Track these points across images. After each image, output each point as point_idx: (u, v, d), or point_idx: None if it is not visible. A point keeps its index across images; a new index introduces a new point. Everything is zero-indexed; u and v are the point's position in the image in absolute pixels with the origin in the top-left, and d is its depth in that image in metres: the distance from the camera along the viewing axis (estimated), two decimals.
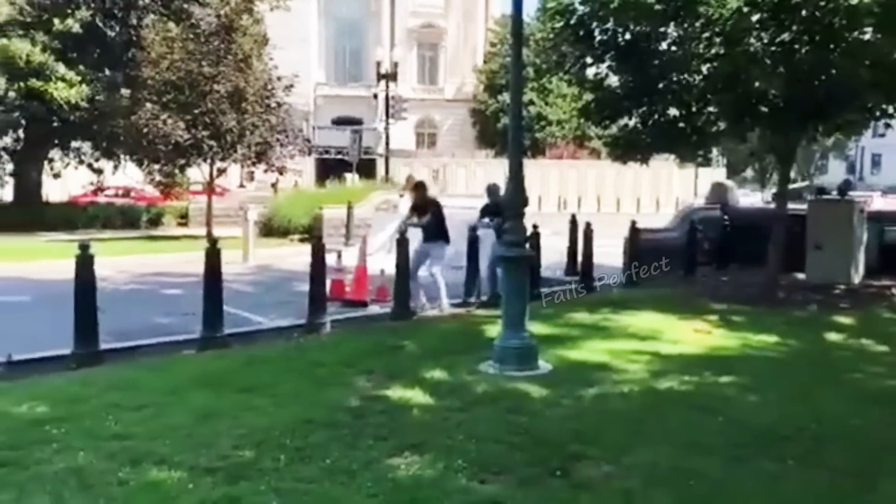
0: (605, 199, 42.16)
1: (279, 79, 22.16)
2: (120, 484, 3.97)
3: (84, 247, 7.50)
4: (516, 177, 6.69)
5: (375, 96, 40.76)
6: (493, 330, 7.72)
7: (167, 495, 3.83)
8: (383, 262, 11.72)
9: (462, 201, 18.70)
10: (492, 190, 11.60)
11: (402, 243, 10.00)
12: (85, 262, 7.42)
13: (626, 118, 12.11)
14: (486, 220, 11.25)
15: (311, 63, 50.51)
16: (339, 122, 50.09)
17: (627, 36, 11.29)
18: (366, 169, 36.86)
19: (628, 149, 12.51)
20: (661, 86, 11.34)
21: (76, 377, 6.41)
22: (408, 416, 5.27)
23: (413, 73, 54.93)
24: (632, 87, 11.59)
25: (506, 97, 46.30)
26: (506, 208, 10.70)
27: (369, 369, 6.62)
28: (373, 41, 51.35)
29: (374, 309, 10.78)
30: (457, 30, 56.50)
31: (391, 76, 37.08)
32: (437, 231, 10.59)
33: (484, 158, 47.11)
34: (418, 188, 11.52)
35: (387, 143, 38.10)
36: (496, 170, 43.26)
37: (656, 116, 11.74)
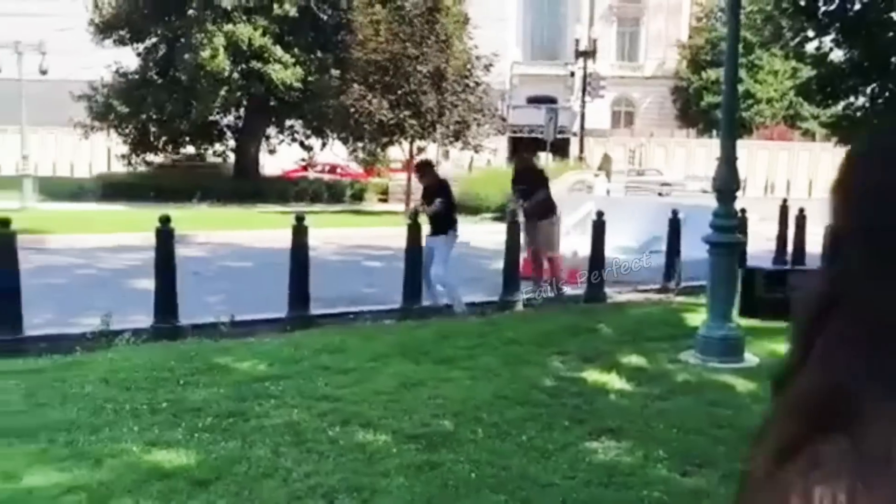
0: (818, 184, 39.09)
1: (478, 58, 22.44)
2: (330, 442, 4.22)
3: (300, 218, 8.03)
4: (729, 158, 6.33)
5: (572, 74, 40.27)
6: (695, 318, 7.41)
7: (374, 457, 4.02)
8: (576, 243, 11.57)
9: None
10: (520, 166, 10.11)
11: (599, 225, 9.81)
12: (300, 233, 7.94)
13: (852, 97, 11.10)
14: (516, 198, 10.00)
15: (509, 42, 50.65)
16: (534, 100, 49.92)
17: (857, 5, 10.32)
18: (559, 148, 36.54)
19: (853, 131, 11.48)
20: (894, 60, 10.29)
21: (290, 339, 6.87)
22: (604, 401, 5.18)
23: (611, 50, 53.55)
24: (860, 63, 10.60)
25: (711, 74, 44.13)
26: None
27: (563, 350, 6.57)
28: (571, 18, 50.59)
29: (566, 290, 10.69)
30: (659, 5, 54.35)
31: (589, 53, 36.44)
32: (444, 220, 8.84)
33: (684, 138, 45.18)
34: (424, 168, 9.78)
35: (582, 123, 37.54)
36: (697, 150, 41.51)
37: (887, 95, 10.67)
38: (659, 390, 5.43)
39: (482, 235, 17.21)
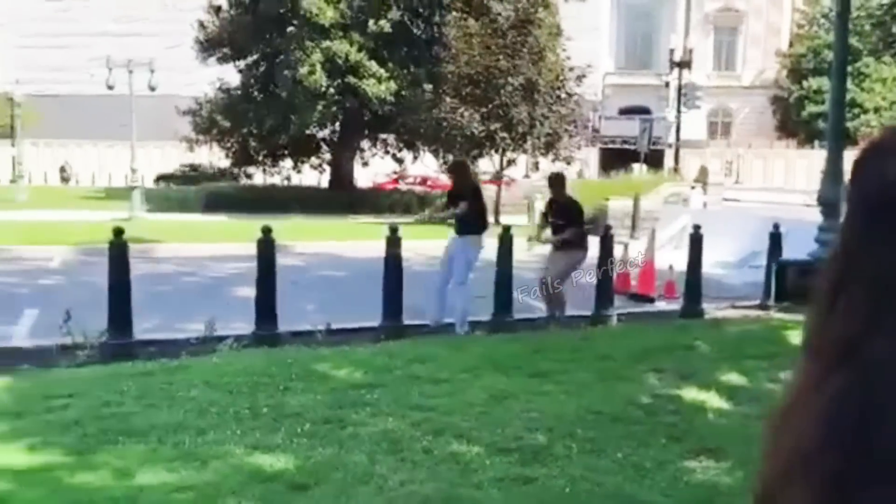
0: None
1: (571, 69, 22.32)
2: (424, 452, 4.26)
3: (394, 229, 8.16)
4: (835, 170, 6.11)
5: (667, 84, 39.50)
6: (796, 336, 7.13)
7: (468, 468, 4.04)
8: (672, 257, 11.35)
9: (759, 195, 17.50)
10: (553, 182, 9.38)
11: (696, 239, 9.59)
12: (393, 244, 8.08)
13: None
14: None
15: (601, 52, 50.17)
16: (626, 111, 49.29)
17: None
18: (653, 160, 35.88)
19: None
20: None
21: (383, 348, 6.98)
22: (702, 419, 5.06)
23: (708, 60, 52.32)
24: None
25: (812, 83, 42.56)
26: (572, 210, 9.11)
27: (659, 367, 6.44)
28: (666, 28, 49.74)
29: (661, 305, 10.49)
30: (758, 12, 52.81)
31: (685, 63, 35.68)
32: (475, 221, 8.55)
33: (784, 149, 43.66)
34: (457, 170, 9.48)
35: (677, 133, 36.75)
36: (797, 161, 40.03)
37: None
38: (759, 410, 5.25)
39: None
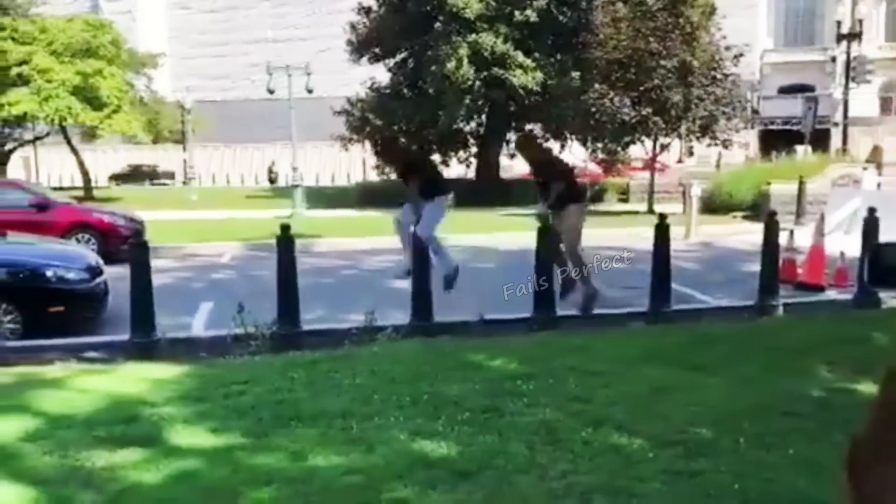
0: None
1: (727, 48, 21.35)
2: (584, 443, 4.23)
3: (543, 219, 8.13)
4: None
5: (833, 59, 36.94)
6: None
7: (629, 460, 3.98)
8: (842, 243, 10.63)
9: None
10: (521, 146, 9.16)
11: (871, 222, 8.94)
12: (544, 234, 8.05)
13: None
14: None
15: (759, 29, 47.61)
16: (787, 90, 46.51)
17: None
18: (818, 140, 33.69)
19: None
20: None
21: (537, 339, 6.99)
22: None
23: (879, 30, 48.38)
24: None
25: None
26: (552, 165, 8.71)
27: (830, 359, 6.06)
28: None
29: (831, 294, 9.86)
30: None
31: (854, 35, 33.18)
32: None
33: None
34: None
35: (845, 111, 34.28)
36: None
37: None
38: None
39: (734, 236, 16.39)
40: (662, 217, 8.54)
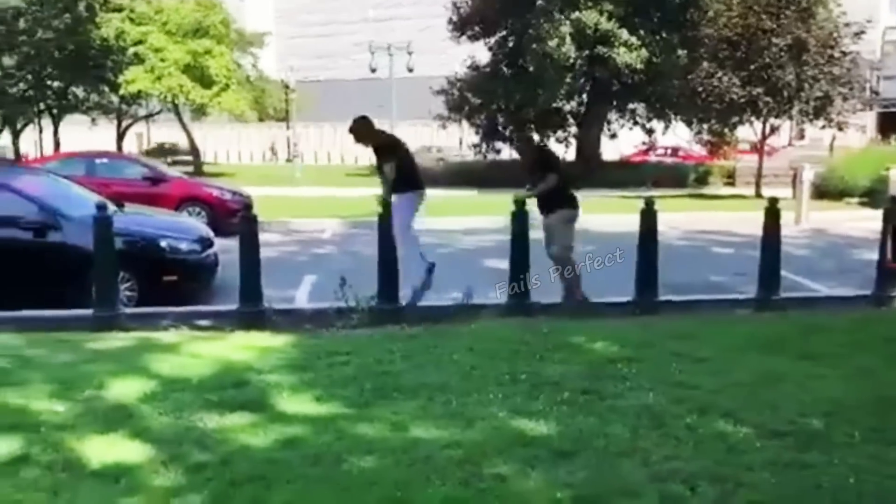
0: None
1: (846, 25, 20.24)
2: (688, 428, 4.13)
3: (649, 202, 7.95)
4: None
5: None
6: None
7: (736, 449, 3.86)
8: None
9: None
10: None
11: None
12: (649, 217, 7.86)
13: None
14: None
15: (881, 4, 44.89)
16: None
17: None
18: None
19: None
20: None
21: (639, 323, 6.85)
22: None
23: None
24: None
25: None
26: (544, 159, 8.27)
27: None
28: None
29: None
30: None
31: None
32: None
33: None
34: (362, 132, 8.04)
35: None
36: None
37: None
38: None
39: (849, 223, 15.62)
40: (773, 201, 8.19)
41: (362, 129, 8.08)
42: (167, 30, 32.00)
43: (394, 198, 7.79)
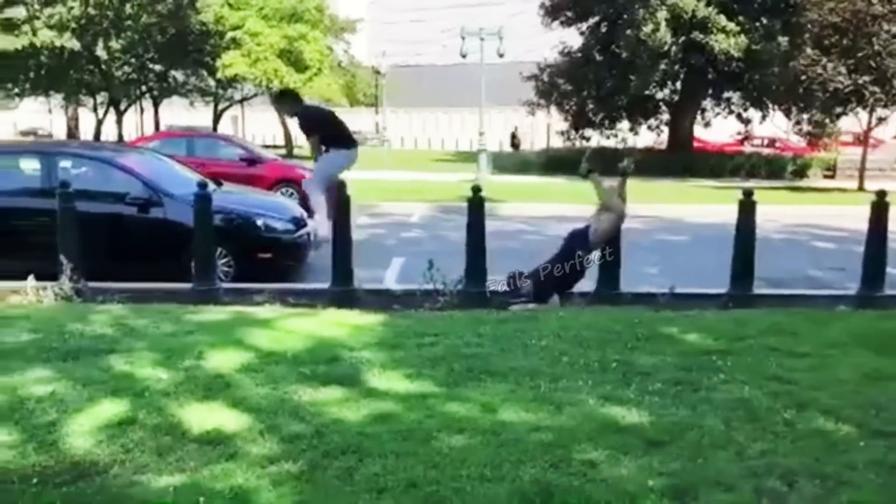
0: None
1: None
2: (786, 424, 4.01)
3: (748, 193, 7.70)
4: None
5: None
6: None
7: (836, 447, 3.71)
8: None
9: None
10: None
11: None
12: (747, 208, 7.62)
13: None
14: None
15: None
16: None
17: None
18: None
19: None
20: None
21: (733, 316, 6.66)
22: None
23: None
24: None
25: None
26: None
27: None
28: None
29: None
30: None
31: None
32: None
33: None
34: (285, 100, 7.86)
35: None
36: None
37: None
38: None
39: None
40: (881, 194, 7.80)
41: (285, 105, 8.01)
42: (263, 14, 32.79)
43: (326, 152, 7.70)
